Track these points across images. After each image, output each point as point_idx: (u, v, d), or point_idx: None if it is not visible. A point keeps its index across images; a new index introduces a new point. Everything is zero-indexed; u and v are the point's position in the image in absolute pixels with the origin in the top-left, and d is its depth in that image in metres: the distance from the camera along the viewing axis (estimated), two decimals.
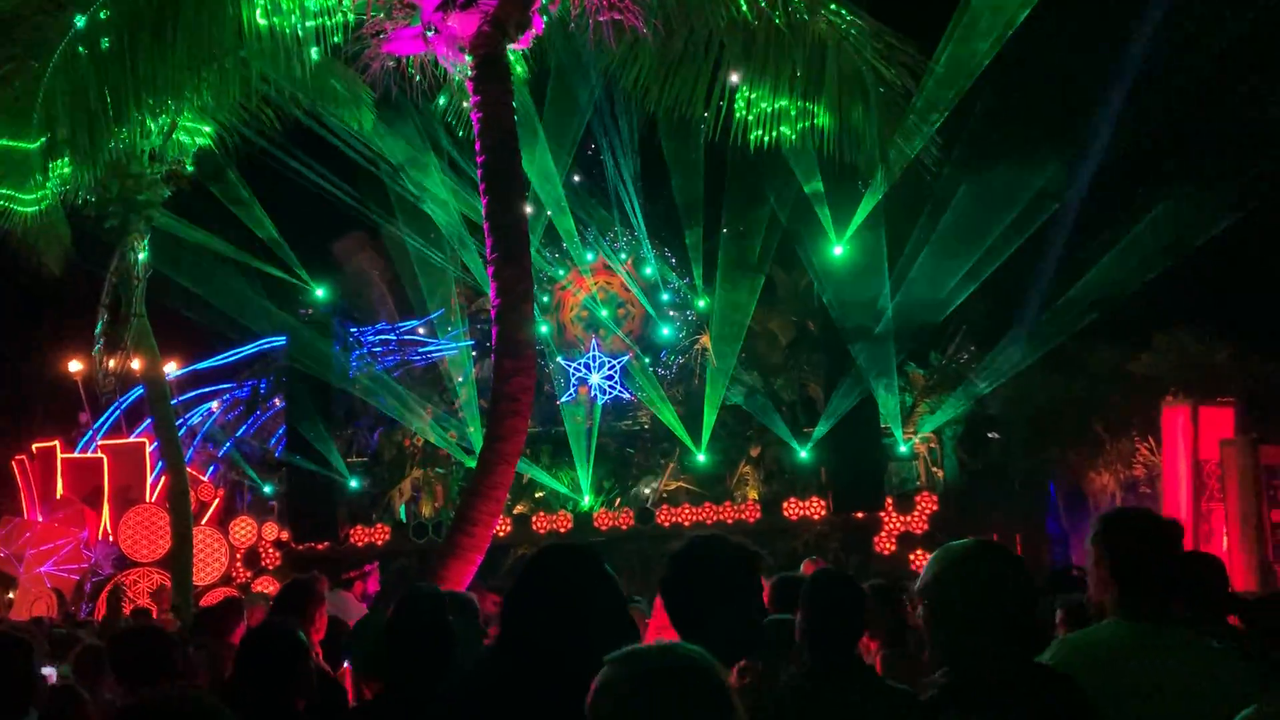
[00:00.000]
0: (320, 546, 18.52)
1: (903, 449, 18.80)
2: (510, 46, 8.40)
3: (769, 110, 9.26)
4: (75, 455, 18.93)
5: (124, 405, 19.45)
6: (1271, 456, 9.09)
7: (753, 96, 9.16)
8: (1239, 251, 17.92)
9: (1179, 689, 2.61)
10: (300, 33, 8.23)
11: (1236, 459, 9.01)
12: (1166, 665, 2.67)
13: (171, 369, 17.48)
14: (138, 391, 18.75)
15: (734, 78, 9.13)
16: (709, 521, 17.90)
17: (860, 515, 17.51)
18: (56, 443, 18.67)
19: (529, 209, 12.06)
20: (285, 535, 18.74)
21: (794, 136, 9.59)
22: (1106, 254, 16.73)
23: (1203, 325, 18.64)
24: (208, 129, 11.91)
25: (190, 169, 11.68)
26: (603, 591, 2.48)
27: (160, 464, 17.91)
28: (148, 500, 18.11)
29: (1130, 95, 16.19)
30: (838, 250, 17.88)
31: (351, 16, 8.58)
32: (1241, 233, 16.59)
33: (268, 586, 17.48)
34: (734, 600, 2.51)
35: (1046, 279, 17.65)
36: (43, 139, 7.88)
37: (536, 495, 19.19)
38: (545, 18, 8.54)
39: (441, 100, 10.07)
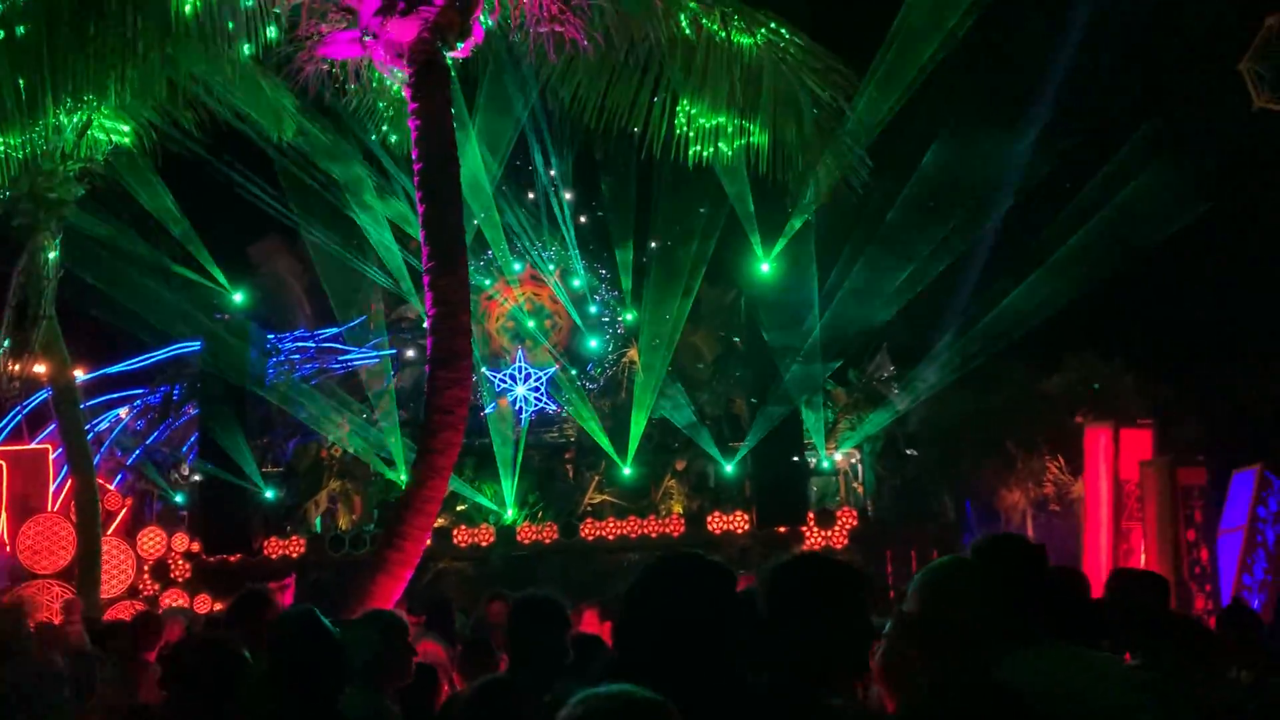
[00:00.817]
0: (233, 559, 17.98)
1: (825, 464, 19.05)
2: (449, 54, 8.29)
3: (706, 126, 9.33)
4: None
5: (26, 410, 18.64)
6: (1188, 477, 9.45)
7: (691, 112, 9.22)
8: (1144, 279, 18.65)
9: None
10: (230, 26, 8.01)
11: (1155, 480, 9.35)
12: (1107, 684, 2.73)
13: (79, 373, 16.80)
14: (42, 395, 18.01)
15: (671, 93, 9.17)
16: (633, 535, 17.89)
17: (782, 529, 17.67)
18: None
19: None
20: (196, 546, 18.15)
21: (730, 153, 9.67)
22: (1022, 280, 17.24)
23: (1109, 348, 19.34)
24: (126, 127, 11.54)
25: (101, 161, 11.24)
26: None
27: (64, 472, 17.22)
28: (49, 509, 17.37)
29: (1049, 122, 16.75)
30: (765, 267, 18.08)
31: (284, 16, 8.39)
32: (1148, 261, 17.30)
33: (177, 599, 16.93)
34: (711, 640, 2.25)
35: (965, 300, 18.12)
36: None
37: (458, 508, 18.93)
38: (486, 26, 8.45)
39: (379, 105, 9.88)
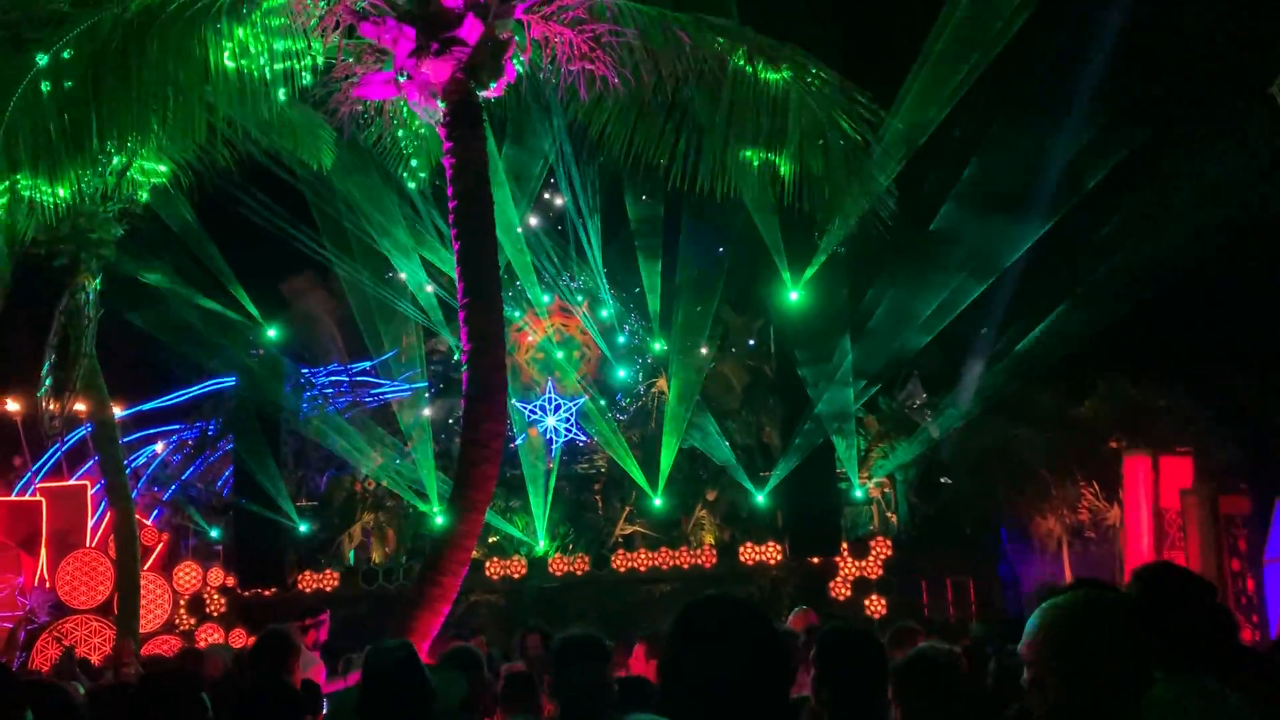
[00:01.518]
0: (267, 593, 18.10)
1: (858, 494, 18.94)
2: (482, 93, 8.42)
3: (731, 160, 9.39)
4: (12, 498, 18.34)
5: (66, 447, 18.92)
6: (1230, 506, 9.32)
7: (715, 148, 9.28)
8: (1177, 303, 18.47)
9: None
10: (269, 75, 8.20)
11: (1197, 508, 9.22)
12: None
13: (118, 410, 17.04)
14: (80, 432, 18.28)
15: (698, 126, 9.24)
16: (665, 567, 17.84)
17: (816, 560, 17.55)
18: None
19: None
20: (231, 581, 18.29)
21: (754, 186, 9.73)
22: (1054, 306, 17.15)
23: (1142, 372, 19.12)
24: (164, 167, 11.76)
25: (144, 200, 11.46)
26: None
27: (102, 507, 17.43)
28: (88, 545, 17.57)
29: (1081, 149, 16.72)
30: (794, 296, 18.09)
31: (321, 60, 8.56)
32: (1180, 284, 17.15)
33: (213, 634, 17.04)
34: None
35: (997, 326, 18.03)
36: (5, 182, 7.72)
37: (491, 540, 18.96)
38: (518, 66, 8.58)
39: (412, 145, 10.02)
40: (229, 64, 7.97)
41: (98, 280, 12.80)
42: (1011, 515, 19.80)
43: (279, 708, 3.25)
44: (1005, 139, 16.51)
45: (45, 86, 7.84)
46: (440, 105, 8.23)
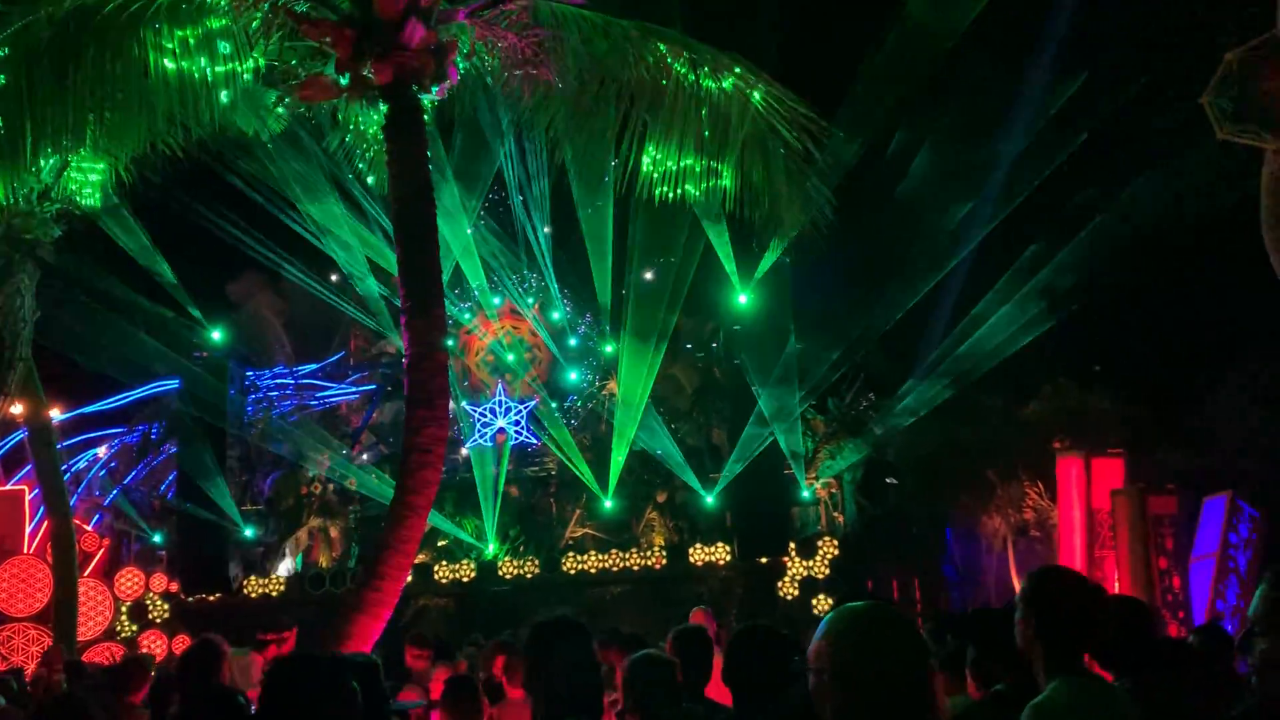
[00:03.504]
0: (212, 598, 17.87)
1: (805, 494, 19.12)
2: (425, 96, 8.41)
3: (674, 167, 9.45)
4: None
5: (1, 451, 18.53)
6: (1158, 506, 9.57)
7: (659, 155, 9.34)
8: (1117, 305, 18.89)
9: None
10: (210, 77, 8.12)
11: (1126, 508, 9.46)
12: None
13: (56, 413, 16.73)
14: (17, 436, 17.92)
15: (642, 132, 9.29)
16: (616, 569, 17.89)
17: (764, 560, 17.70)
18: None
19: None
20: (174, 587, 18.02)
21: (698, 194, 9.81)
22: (998, 308, 17.46)
23: (1086, 375, 19.49)
24: (102, 165, 11.58)
25: (96, 204, 11.28)
26: None
27: (40, 513, 17.09)
28: (25, 551, 17.22)
29: (1018, 154, 17.04)
30: (742, 299, 18.24)
31: (263, 61, 8.50)
32: (1119, 288, 17.56)
33: (156, 641, 16.79)
34: None
35: (942, 328, 18.31)
36: None
37: (439, 544, 18.88)
38: (461, 68, 8.58)
39: (359, 147, 9.97)
40: (169, 65, 7.89)
41: (34, 282, 12.56)
42: (958, 515, 20.11)
43: (225, 713, 3.23)
44: (950, 137, 16.79)
45: None
46: (382, 108, 8.21)
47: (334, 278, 20.28)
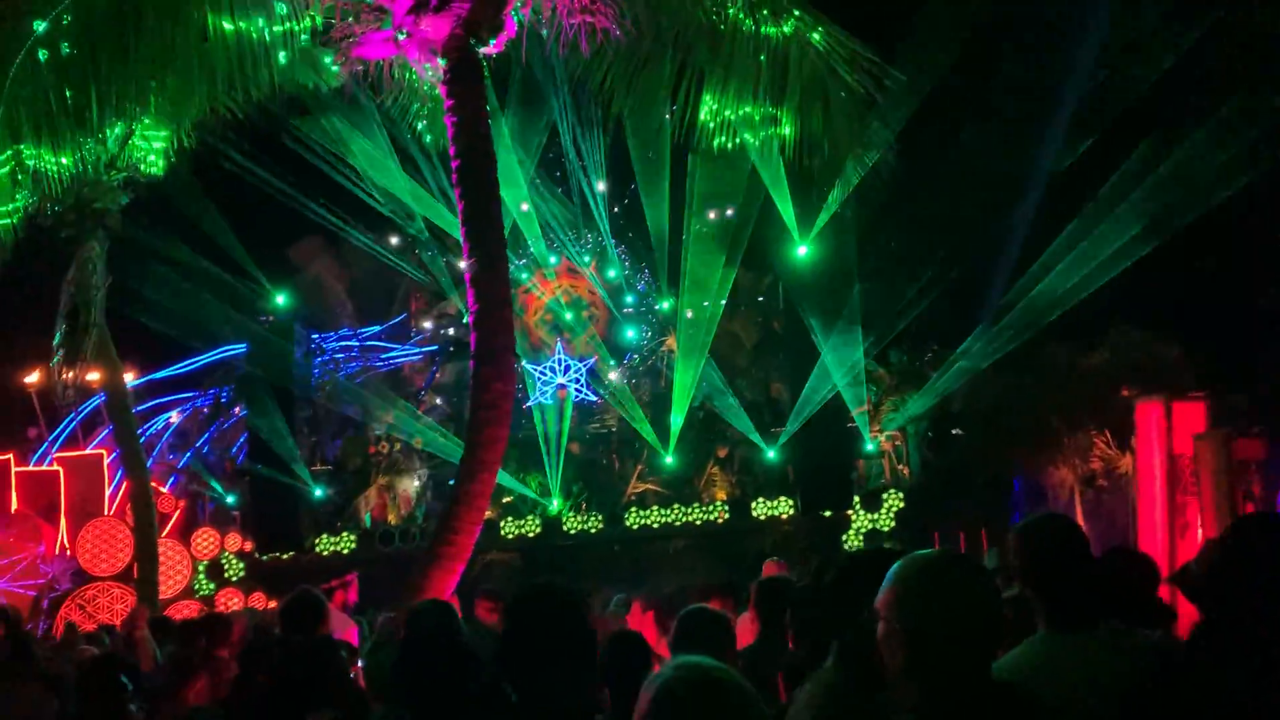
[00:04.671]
0: (285, 557, 18.29)
1: (869, 447, 18.96)
2: (482, 50, 8.34)
3: (733, 116, 9.30)
4: (30, 468, 18.51)
5: (81, 416, 19.06)
6: (1244, 451, 9.29)
7: (717, 104, 9.19)
8: (1188, 251, 18.33)
9: (1110, 692, 2.62)
10: (268, 38, 8.14)
11: (1211, 453, 9.20)
12: (1098, 671, 2.72)
13: (129, 378, 17.13)
14: (94, 402, 18.42)
15: (699, 81, 9.15)
16: (677, 523, 17.95)
17: (828, 514, 17.62)
18: (10, 456, 18.23)
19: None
20: (248, 546, 18.47)
21: (756, 142, 9.65)
22: (1064, 255, 17.04)
23: (1154, 321, 19.00)
24: (164, 133, 11.72)
25: (160, 172, 11.45)
26: None
27: (119, 476, 17.59)
28: (106, 513, 17.75)
29: (1086, 98, 16.53)
30: (802, 250, 18.01)
31: (319, 20, 8.49)
32: (1191, 234, 17.00)
33: (232, 598, 17.26)
34: None
35: (1007, 276, 17.94)
36: (8, 152, 7.72)
37: (504, 500, 19.09)
38: (517, 20, 8.50)
39: (417, 105, 9.97)
40: (227, 28, 7.92)
41: (104, 249, 12.82)
42: (1024, 466, 19.81)
43: (321, 662, 3.28)
44: (1015, 80, 16.32)
45: (43, 55, 7.81)
46: (440, 63, 8.16)
47: (394, 240, 20.43)
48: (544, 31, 8.71)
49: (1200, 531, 9.35)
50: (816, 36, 8.83)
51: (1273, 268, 17.32)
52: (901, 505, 17.30)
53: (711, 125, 9.30)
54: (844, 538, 17.29)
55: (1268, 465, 9.55)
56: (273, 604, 15.59)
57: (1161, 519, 9.82)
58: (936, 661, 2.10)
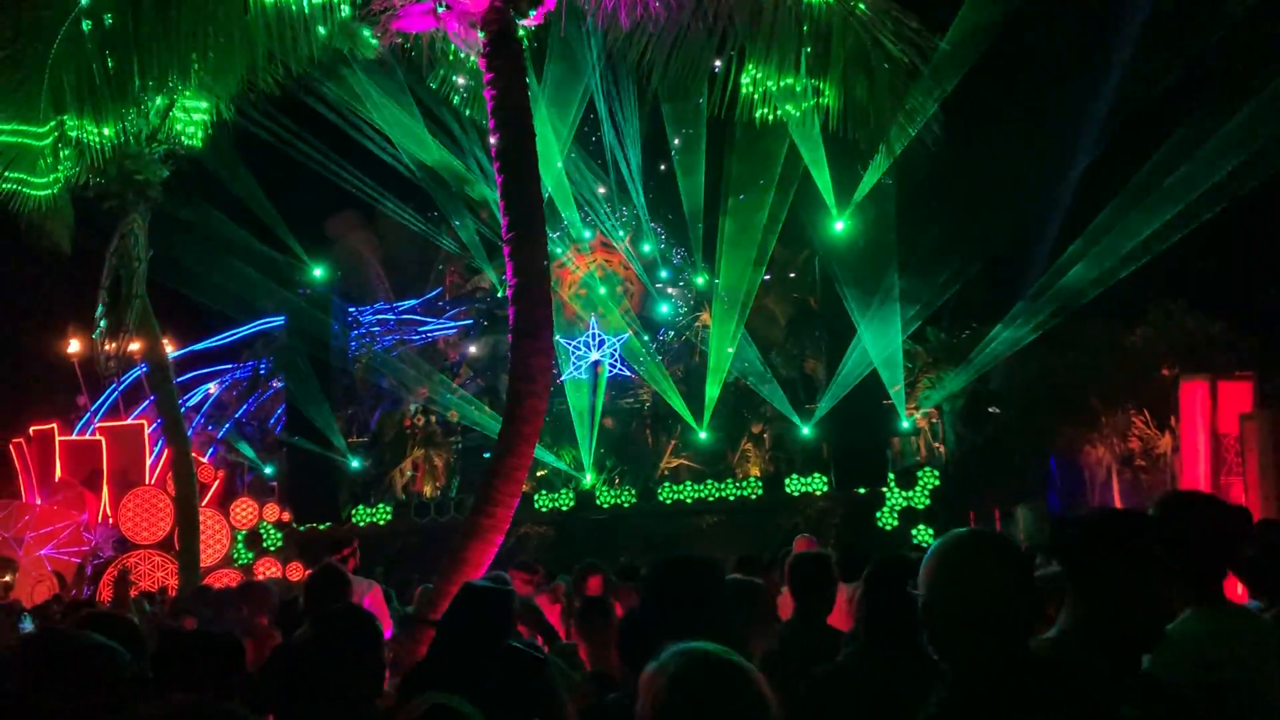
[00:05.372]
0: (322, 527, 18.51)
1: (905, 424, 18.84)
2: (521, 22, 8.28)
3: (774, 88, 9.18)
4: (73, 438, 18.82)
5: (122, 387, 19.34)
6: None
7: (758, 75, 9.07)
8: (1229, 229, 18.00)
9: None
10: (307, 10, 8.13)
11: (1257, 433, 9.05)
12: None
13: (170, 350, 17.36)
14: (136, 373, 18.66)
15: (740, 54, 9.03)
16: (711, 499, 17.95)
17: (863, 491, 17.56)
18: (54, 425, 18.56)
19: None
20: (286, 516, 18.71)
21: (798, 114, 9.52)
22: (1104, 233, 16.78)
23: (1195, 300, 18.72)
24: (205, 105, 11.78)
25: (199, 144, 11.51)
26: None
27: (159, 445, 17.85)
28: (147, 482, 18.04)
29: (1126, 76, 16.23)
30: (839, 226, 17.84)
31: None
32: (1231, 212, 16.69)
33: (270, 568, 17.50)
34: None
35: (1046, 254, 17.71)
36: (52, 122, 7.78)
37: (539, 473, 19.19)
38: None
39: (455, 78, 9.93)
40: (267, 1, 7.92)
41: (145, 222, 12.91)
42: (1060, 444, 19.64)
43: (359, 628, 3.32)
44: (1057, 57, 16.05)
45: (86, 26, 7.85)
46: (480, 35, 8.11)
47: (430, 214, 20.50)
48: (583, 4, 8.62)
49: None
50: (861, 7, 8.68)
51: None
52: (937, 483, 17.18)
53: (754, 97, 9.18)
54: (878, 515, 17.22)
55: None
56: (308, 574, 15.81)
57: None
58: (968, 639, 2.14)
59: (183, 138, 12.50)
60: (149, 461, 18.60)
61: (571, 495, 18.36)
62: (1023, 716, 2.08)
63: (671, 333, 20.84)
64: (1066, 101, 17.29)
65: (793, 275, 20.85)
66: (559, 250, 20.55)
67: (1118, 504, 17.42)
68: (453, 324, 20.67)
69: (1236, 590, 3.88)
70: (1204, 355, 16.90)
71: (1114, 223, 16.86)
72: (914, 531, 16.64)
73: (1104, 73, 16.73)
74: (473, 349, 20.46)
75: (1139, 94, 16.57)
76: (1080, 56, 16.82)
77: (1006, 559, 2.19)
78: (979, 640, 2.12)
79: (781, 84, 9.13)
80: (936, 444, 19.41)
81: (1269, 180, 15.47)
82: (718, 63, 8.84)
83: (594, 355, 19.78)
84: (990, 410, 19.14)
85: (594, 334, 19.87)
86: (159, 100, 10.54)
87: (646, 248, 20.96)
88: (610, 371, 19.81)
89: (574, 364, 19.65)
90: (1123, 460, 18.74)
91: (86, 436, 19.01)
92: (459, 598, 3.79)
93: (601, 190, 20.56)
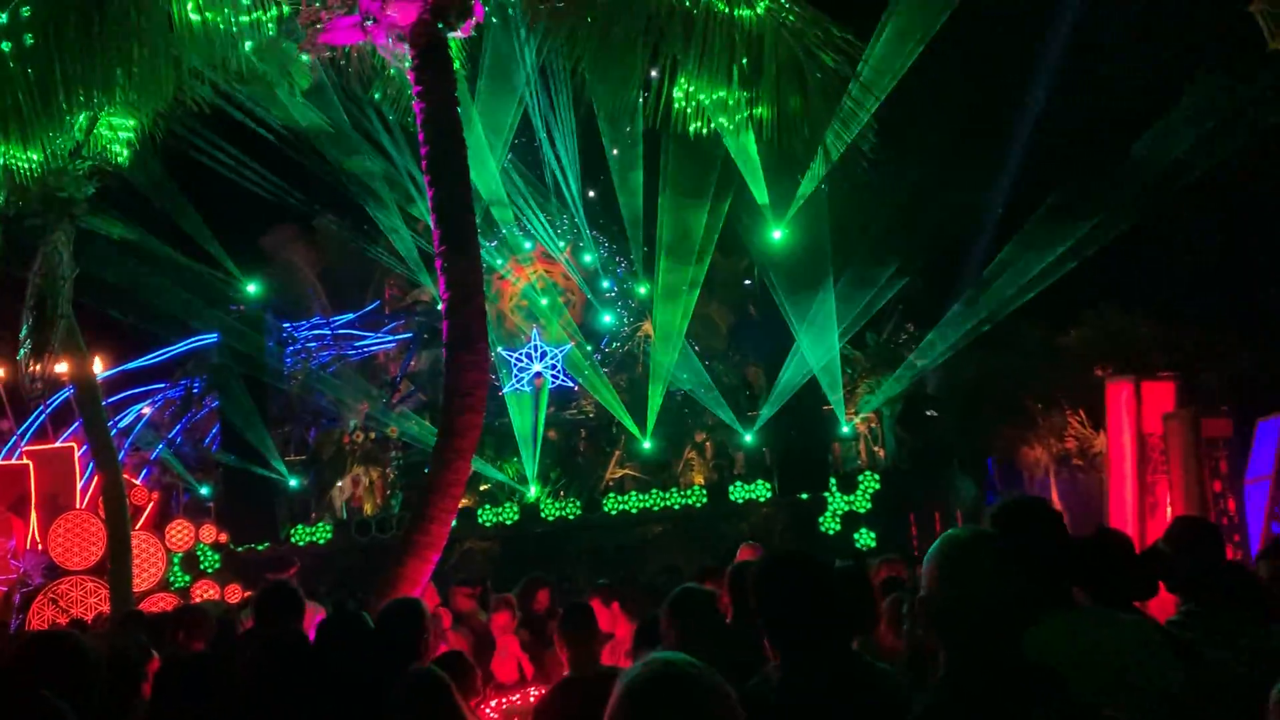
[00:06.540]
0: (260, 548, 18.18)
1: (845, 429, 19.04)
2: (450, 35, 8.25)
3: (707, 100, 9.24)
4: None
5: (49, 409, 18.83)
6: (1212, 429, 9.41)
7: (691, 88, 9.12)
8: (1162, 229, 18.49)
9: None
10: (234, 27, 8.03)
11: (1179, 432, 9.31)
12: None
13: (99, 370, 16.94)
14: (64, 394, 18.20)
15: (673, 66, 9.07)
16: (656, 508, 17.97)
17: (805, 497, 17.69)
18: None
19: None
20: (224, 537, 18.34)
21: (731, 126, 9.60)
22: (1037, 237, 17.14)
23: (1128, 300, 19.18)
24: (132, 122, 11.55)
25: (125, 161, 11.28)
26: None
27: (90, 469, 17.40)
28: (78, 506, 17.56)
29: (1055, 83, 16.61)
30: (777, 235, 18.01)
31: (286, 8, 8.37)
32: (1166, 212, 17.16)
33: (209, 590, 17.13)
34: None
35: (981, 259, 18.04)
36: None
37: (482, 488, 19.05)
38: (486, 5, 8.41)
39: (376, 94, 9.86)
40: (193, 16, 7.80)
41: (70, 240, 12.62)
42: (998, 446, 19.99)
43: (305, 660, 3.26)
44: (990, 61, 16.37)
45: (6, 46, 7.67)
46: (408, 49, 8.07)
47: (366, 227, 20.29)
48: (511, 11, 8.63)
49: (1170, 510, 9.48)
50: (791, 18, 8.78)
51: (1244, 250, 17.51)
52: (877, 487, 17.37)
53: (687, 110, 9.23)
54: (820, 520, 17.36)
55: (1233, 442, 9.69)
56: (249, 595, 15.51)
57: (1132, 498, 9.95)
58: (960, 637, 2.20)
59: (108, 154, 12.27)
60: (80, 485, 18.12)
61: (516, 509, 18.25)
62: (1011, 716, 2.14)
63: (615, 343, 20.84)
64: (999, 108, 17.65)
65: (737, 284, 20.98)
66: (499, 262, 20.44)
67: (1056, 503, 17.75)
68: (392, 338, 20.46)
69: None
70: (1137, 356, 17.32)
71: (1050, 223, 17.23)
72: (856, 535, 16.80)
73: (1035, 81, 17.12)
74: (413, 363, 20.26)
75: (1069, 100, 16.97)
76: (1013, 61, 17.18)
77: (1006, 560, 2.26)
78: (976, 639, 2.19)
79: (715, 96, 9.20)
80: (877, 448, 19.64)
81: (1195, 184, 15.95)
82: (654, 72, 8.88)
83: (536, 367, 19.69)
84: (929, 414, 19.42)
85: (535, 346, 19.79)
86: (83, 116, 10.33)
87: (588, 258, 20.95)
88: (553, 383, 19.74)
89: (516, 376, 19.55)
90: (1060, 460, 19.12)
91: (13, 461, 18.47)
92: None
93: (541, 201, 20.50)
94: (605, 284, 20.93)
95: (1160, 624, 3.37)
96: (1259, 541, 9.25)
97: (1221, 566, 4.07)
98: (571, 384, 19.96)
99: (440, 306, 7.89)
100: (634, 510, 18.03)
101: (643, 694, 1.87)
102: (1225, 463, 9.46)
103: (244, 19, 8.09)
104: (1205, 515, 8.80)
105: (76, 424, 17.46)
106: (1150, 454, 9.82)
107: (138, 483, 18.75)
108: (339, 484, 19.54)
